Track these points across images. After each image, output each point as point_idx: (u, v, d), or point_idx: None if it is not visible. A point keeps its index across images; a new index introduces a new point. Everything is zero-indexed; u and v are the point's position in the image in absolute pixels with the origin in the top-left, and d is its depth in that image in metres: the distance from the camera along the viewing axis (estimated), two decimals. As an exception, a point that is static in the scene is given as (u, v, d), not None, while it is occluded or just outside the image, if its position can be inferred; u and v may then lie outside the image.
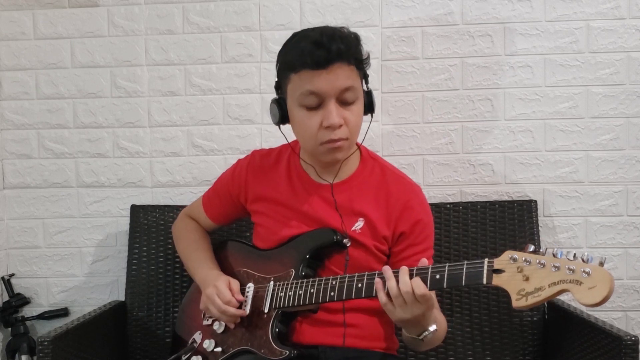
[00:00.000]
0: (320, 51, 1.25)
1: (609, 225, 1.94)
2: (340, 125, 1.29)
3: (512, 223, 1.81)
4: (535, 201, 1.85)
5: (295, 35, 1.35)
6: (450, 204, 1.85)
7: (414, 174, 1.95)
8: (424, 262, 1.19)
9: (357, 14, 1.95)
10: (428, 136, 1.96)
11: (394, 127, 1.97)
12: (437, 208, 1.84)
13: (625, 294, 1.94)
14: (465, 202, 1.86)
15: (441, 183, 1.96)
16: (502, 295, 1.75)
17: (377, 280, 1.19)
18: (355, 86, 1.30)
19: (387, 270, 1.18)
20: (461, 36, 1.94)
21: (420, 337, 1.22)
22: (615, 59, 1.91)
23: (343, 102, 1.30)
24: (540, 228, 1.86)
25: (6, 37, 2.03)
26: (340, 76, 1.27)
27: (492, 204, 1.85)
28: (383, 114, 1.97)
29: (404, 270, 1.16)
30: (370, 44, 1.95)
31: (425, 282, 1.15)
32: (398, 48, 1.96)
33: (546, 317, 1.79)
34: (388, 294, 1.17)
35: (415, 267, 1.18)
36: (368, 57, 1.35)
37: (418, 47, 1.95)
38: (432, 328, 1.21)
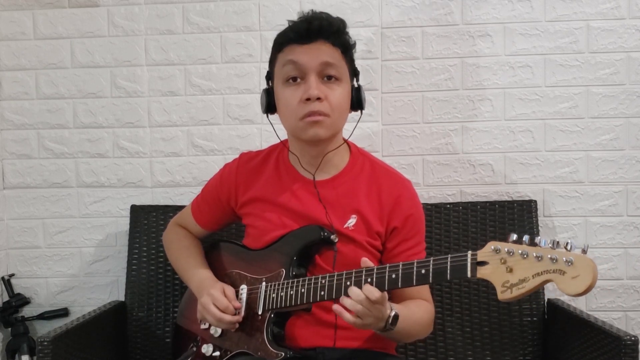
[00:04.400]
0: (302, 25, 1.32)
1: (609, 225, 1.93)
2: (320, 99, 1.31)
3: (512, 223, 1.81)
4: (535, 201, 1.85)
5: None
6: (450, 204, 1.85)
7: (414, 174, 1.95)
8: (366, 262, 1.21)
9: (357, 14, 1.95)
10: (428, 136, 1.96)
11: (394, 127, 1.97)
12: (437, 208, 1.84)
13: (625, 294, 1.94)
14: (465, 202, 1.86)
15: (441, 183, 1.96)
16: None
17: (335, 306, 1.20)
18: (338, 65, 1.33)
19: (344, 299, 1.19)
20: (461, 36, 1.94)
21: (386, 329, 1.21)
22: (615, 59, 1.91)
23: (325, 78, 1.33)
24: (540, 228, 1.86)
25: (6, 37, 2.03)
26: (322, 51, 1.32)
27: (492, 204, 1.85)
28: (383, 114, 1.97)
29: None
30: (370, 44, 1.95)
31: (382, 284, 1.16)
32: (398, 48, 1.96)
33: (546, 317, 1.79)
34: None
35: (364, 268, 1.19)
36: (354, 44, 1.39)
37: (418, 47, 1.95)
38: (393, 313, 1.20)
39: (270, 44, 1.38)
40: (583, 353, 1.55)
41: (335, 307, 1.20)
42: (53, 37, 2.02)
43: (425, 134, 1.96)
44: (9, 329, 1.99)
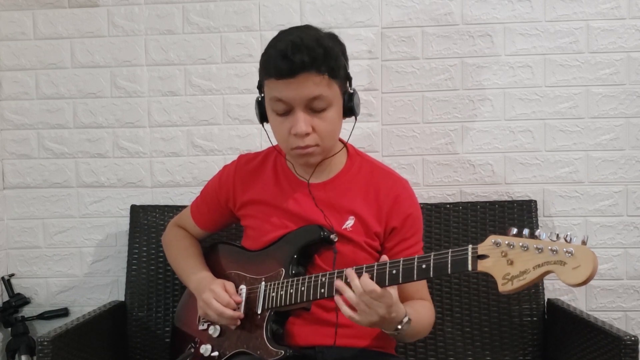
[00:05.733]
0: (284, 63, 1.24)
1: (609, 225, 1.93)
2: (308, 134, 1.29)
3: (512, 223, 1.81)
4: (535, 201, 1.85)
5: (275, 37, 1.33)
6: (450, 204, 1.85)
7: (413, 174, 1.95)
8: (384, 258, 1.21)
9: (357, 14, 1.96)
10: (428, 136, 1.96)
11: (393, 127, 1.97)
12: (437, 208, 1.84)
13: (625, 294, 1.94)
14: (465, 202, 1.86)
15: (441, 183, 1.96)
16: (501, 294, 1.75)
17: (336, 297, 1.19)
18: (325, 95, 1.28)
19: (340, 283, 1.19)
20: (461, 36, 1.94)
21: (396, 332, 1.22)
22: (615, 59, 1.91)
23: (313, 110, 1.29)
24: (540, 228, 1.86)
25: (6, 37, 2.03)
26: (307, 85, 1.25)
27: (492, 204, 1.85)
28: (383, 114, 1.97)
29: (351, 275, 1.18)
30: (370, 44, 1.95)
31: (382, 279, 1.16)
32: (398, 48, 1.96)
33: (546, 317, 1.79)
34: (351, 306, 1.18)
35: (365, 265, 1.20)
36: (344, 67, 1.32)
37: (418, 47, 1.95)
38: (405, 319, 1.21)
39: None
40: (583, 353, 1.55)
41: (337, 297, 1.20)
42: (53, 37, 2.02)
43: (425, 134, 1.96)
44: (9, 329, 1.99)
